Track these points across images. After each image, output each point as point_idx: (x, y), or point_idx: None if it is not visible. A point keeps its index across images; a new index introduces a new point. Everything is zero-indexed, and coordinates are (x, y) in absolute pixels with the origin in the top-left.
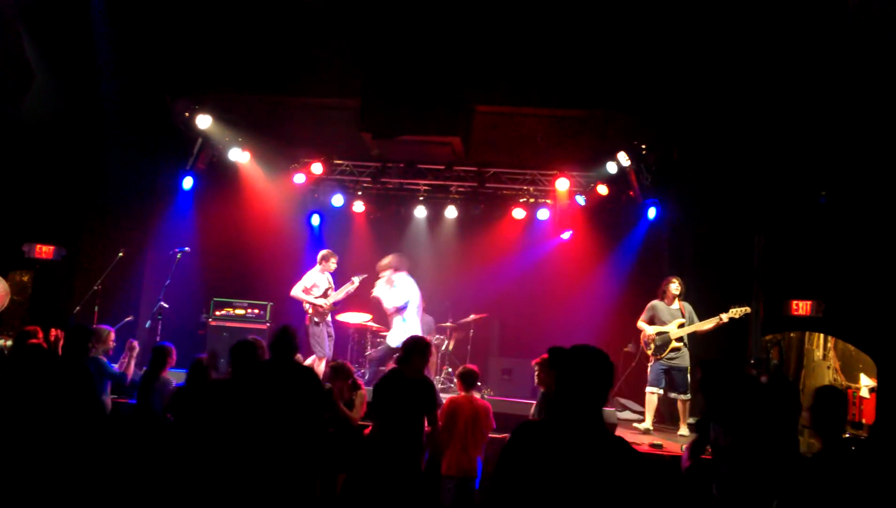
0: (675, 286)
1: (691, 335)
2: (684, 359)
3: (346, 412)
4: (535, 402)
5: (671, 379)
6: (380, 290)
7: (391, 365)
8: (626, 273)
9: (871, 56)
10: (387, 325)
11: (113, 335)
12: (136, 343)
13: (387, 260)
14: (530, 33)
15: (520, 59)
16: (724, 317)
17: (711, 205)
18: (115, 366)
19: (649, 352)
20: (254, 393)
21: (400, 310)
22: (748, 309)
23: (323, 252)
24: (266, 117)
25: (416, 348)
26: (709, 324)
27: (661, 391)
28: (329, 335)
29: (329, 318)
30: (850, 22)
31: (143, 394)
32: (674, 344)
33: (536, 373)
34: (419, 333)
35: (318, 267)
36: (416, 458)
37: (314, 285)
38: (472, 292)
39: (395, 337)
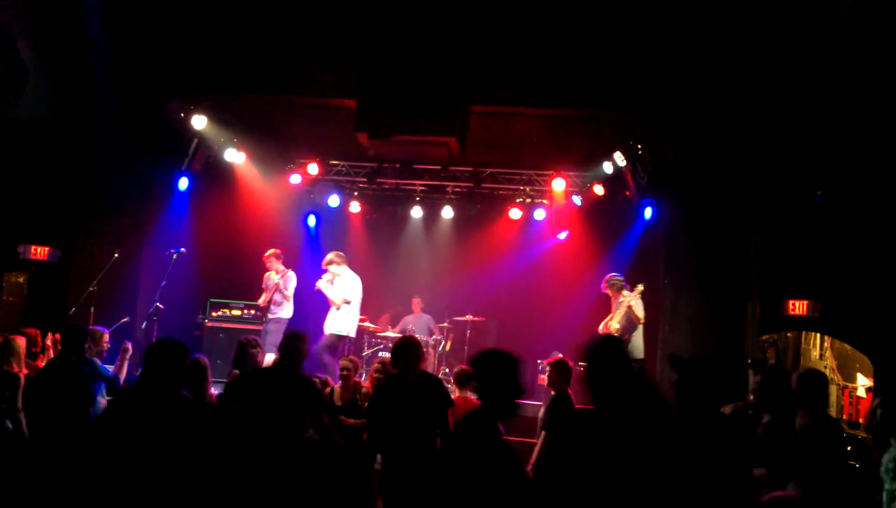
0: (610, 289)
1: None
2: None
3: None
4: (533, 402)
5: None
6: (323, 285)
7: (326, 357)
8: (623, 273)
9: (867, 56)
10: (383, 325)
11: (107, 337)
12: (129, 345)
13: (329, 257)
14: (526, 34)
15: (516, 59)
16: (626, 301)
17: (708, 204)
18: (110, 368)
19: None
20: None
21: (346, 303)
22: (642, 287)
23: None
24: (262, 118)
25: (400, 349)
26: (622, 310)
27: None
28: (266, 332)
29: (272, 314)
30: (845, 21)
31: None
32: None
33: (547, 373)
34: (355, 323)
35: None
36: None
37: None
38: (468, 292)
39: (334, 325)
